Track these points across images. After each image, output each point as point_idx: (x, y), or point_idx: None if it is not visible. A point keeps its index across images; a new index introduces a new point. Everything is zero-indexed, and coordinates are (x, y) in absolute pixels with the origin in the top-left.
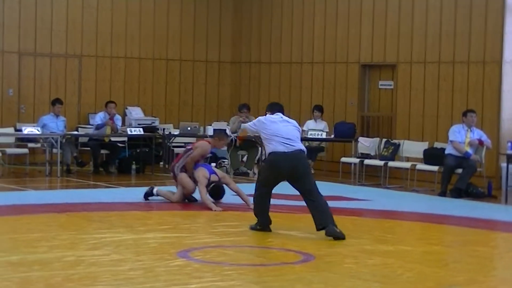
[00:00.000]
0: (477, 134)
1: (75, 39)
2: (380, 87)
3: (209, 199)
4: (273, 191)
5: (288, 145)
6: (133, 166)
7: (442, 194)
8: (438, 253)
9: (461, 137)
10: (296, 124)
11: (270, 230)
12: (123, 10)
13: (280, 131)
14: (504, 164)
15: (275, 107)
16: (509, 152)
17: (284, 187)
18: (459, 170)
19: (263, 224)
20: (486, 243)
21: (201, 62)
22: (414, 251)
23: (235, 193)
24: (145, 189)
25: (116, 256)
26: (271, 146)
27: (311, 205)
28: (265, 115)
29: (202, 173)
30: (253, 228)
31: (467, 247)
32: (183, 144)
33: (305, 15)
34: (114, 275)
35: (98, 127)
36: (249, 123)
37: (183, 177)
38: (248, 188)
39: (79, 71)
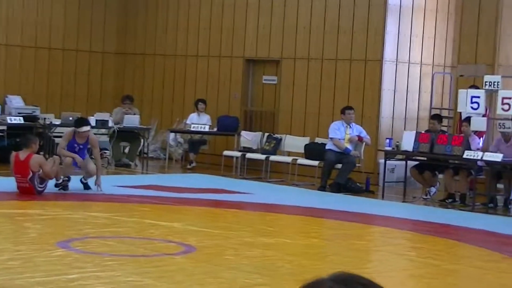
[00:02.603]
0: (356, 130)
1: None
2: (264, 82)
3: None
4: (156, 183)
5: None
6: None
7: (322, 188)
8: (317, 246)
9: (341, 133)
10: None
11: None
12: None
13: None
14: (382, 160)
15: None
16: (387, 148)
17: (166, 179)
18: (339, 165)
19: None
20: (363, 236)
21: (85, 52)
22: (294, 244)
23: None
24: None
25: None
26: None
27: None
28: None
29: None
30: None
31: (346, 241)
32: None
33: (191, 8)
34: None
35: None
36: None
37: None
38: (130, 180)
39: None
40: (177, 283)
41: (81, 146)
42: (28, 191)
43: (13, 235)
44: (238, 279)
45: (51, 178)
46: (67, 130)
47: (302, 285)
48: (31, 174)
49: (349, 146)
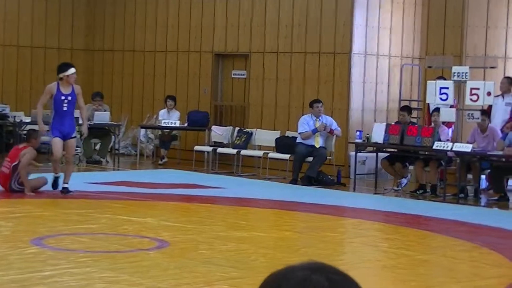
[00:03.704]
0: (326, 122)
1: None
2: (233, 76)
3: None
4: (128, 180)
5: None
6: None
7: (294, 181)
8: (290, 239)
9: (310, 127)
10: None
11: None
12: None
13: None
14: (352, 153)
15: None
16: (357, 141)
17: (138, 175)
18: (310, 159)
19: None
20: (335, 229)
21: (53, 49)
22: (267, 237)
23: None
24: None
25: None
26: None
27: None
28: None
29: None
30: None
31: (318, 233)
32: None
33: (159, 3)
34: None
35: None
36: None
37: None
38: (101, 177)
39: None
40: (152, 277)
41: (69, 97)
42: (4, 179)
43: None
44: (213, 273)
45: (24, 181)
46: (48, 85)
47: (270, 276)
48: (17, 161)
49: (319, 138)
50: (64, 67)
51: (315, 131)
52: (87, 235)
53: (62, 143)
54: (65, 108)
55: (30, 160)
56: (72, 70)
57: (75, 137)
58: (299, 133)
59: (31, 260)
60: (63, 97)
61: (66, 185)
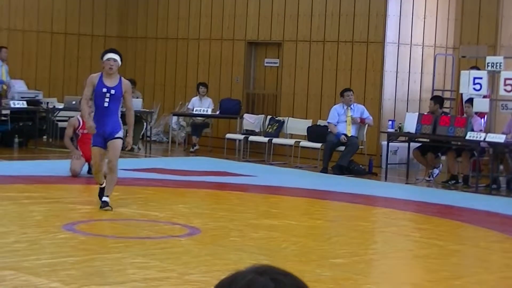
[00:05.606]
0: (358, 110)
1: None
2: (265, 65)
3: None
4: (160, 167)
5: None
6: (16, 140)
7: (324, 170)
8: (321, 227)
9: (341, 117)
10: None
11: None
12: None
13: None
14: (384, 142)
15: None
16: (389, 130)
17: (169, 163)
18: (342, 148)
19: None
20: (367, 218)
21: (87, 36)
22: (298, 226)
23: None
24: (28, 162)
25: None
26: None
27: None
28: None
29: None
30: None
31: (349, 222)
32: (67, 118)
33: None
34: None
35: None
36: None
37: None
38: (133, 164)
39: None
40: (183, 264)
41: (112, 91)
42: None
43: (19, 218)
44: (244, 260)
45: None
46: (90, 75)
47: (221, 281)
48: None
49: (351, 127)
50: (103, 53)
51: (339, 135)
52: (119, 221)
53: (101, 153)
54: (106, 104)
55: (69, 129)
56: (108, 55)
57: (120, 137)
58: (328, 123)
59: (63, 245)
60: (104, 89)
61: (106, 199)
